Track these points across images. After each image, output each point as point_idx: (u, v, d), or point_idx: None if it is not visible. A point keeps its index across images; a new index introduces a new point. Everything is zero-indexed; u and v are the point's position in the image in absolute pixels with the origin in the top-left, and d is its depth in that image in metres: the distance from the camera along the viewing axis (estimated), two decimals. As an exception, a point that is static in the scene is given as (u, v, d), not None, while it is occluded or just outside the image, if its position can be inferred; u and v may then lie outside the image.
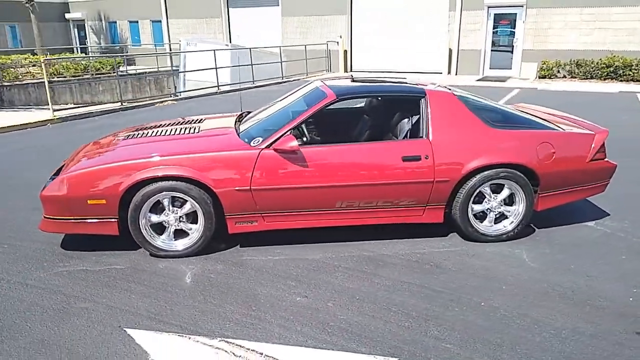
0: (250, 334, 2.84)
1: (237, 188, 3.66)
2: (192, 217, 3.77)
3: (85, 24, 27.11)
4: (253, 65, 15.70)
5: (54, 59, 18.54)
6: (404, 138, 3.96)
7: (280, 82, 16.27)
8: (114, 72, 20.60)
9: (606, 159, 4.13)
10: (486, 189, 3.92)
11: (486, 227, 4.02)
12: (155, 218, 3.72)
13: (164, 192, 3.63)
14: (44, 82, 17.67)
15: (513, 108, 4.66)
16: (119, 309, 3.09)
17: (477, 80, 15.91)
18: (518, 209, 3.98)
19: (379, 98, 4.20)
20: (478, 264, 3.67)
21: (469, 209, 3.93)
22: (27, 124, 9.18)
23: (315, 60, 19.19)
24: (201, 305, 3.14)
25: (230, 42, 22.26)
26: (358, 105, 4.83)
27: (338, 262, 3.72)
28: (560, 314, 3.01)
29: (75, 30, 27.89)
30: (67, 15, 27.20)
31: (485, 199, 3.97)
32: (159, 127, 4.51)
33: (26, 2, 22.03)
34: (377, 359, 2.62)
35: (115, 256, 3.80)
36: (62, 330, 2.87)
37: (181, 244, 3.79)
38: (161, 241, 3.77)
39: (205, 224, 3.73)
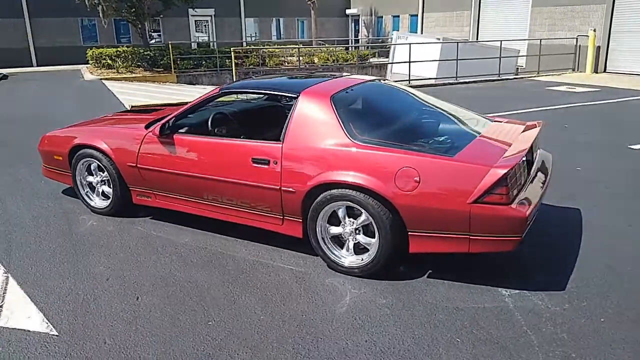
0: (27, 278, 3.39)
1: (129, 164, 4.16)
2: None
3: (359, 19, 29.92)
4: (471, 60, 14.89)
5: (289, 47, 21.35)
6: (267, 139, 3.67)
7: (490, 80, 14.90)
8: (359, 62, 22.54)
9: (512, 205, 2.92)
10: (339, 211, 3.34)
11: (342, 255, 3.42)
12: (90, 178, 4.55)
13: (87, 158, 4.42)
14: (295, 68, 20.77)
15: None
16: (2, 237, 4.06)
17: None
18: (376, 243, 3.25)
19: (263, 95, 3.92)
20: (286, 283, 3.24)
21: (318, 229, 3.42)
22: (211, 100, 11.33)
23: (561, 57, 16.72)
24: (44, 250, 3.82)
25: (478, 36, 21.29)
26: (259, 101, 4.54)
27: (187, 250, 3.81)
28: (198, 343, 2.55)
29: (352, 24, 31.08)
30: (347, 11, 30.52)
31: (342, 223, 3.38)
32: (157, 107, 5.29)
33: (308, 1, 25.85)
34: (49, 326, 2.84)
35: (72, 203, 4.80)
36: (-38, 240, 4.02)
37: (101, 204, 4.52)
38: (93, 200, 4.59)
39: (114, 191, 4.36)
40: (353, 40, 30.46)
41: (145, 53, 18.98)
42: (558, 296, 3.09)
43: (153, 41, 24.15)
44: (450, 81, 14.60)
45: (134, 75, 17.82)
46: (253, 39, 28.54)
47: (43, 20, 23.17)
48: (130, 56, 18.70)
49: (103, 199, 4.53)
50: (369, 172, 3.16)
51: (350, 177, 3.19)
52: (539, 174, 3.60)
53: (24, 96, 13.30)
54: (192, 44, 25.70)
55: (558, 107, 10.30)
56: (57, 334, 2.79)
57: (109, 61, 18.17)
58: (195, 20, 26.96)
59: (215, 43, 26.48)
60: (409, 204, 3.06)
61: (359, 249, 3.40)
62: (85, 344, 2.70)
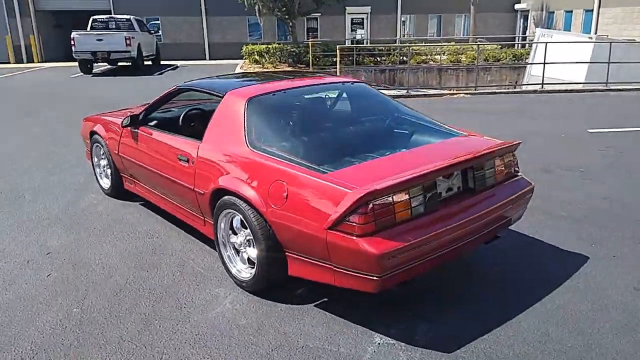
0: (-4, 242, 3.96)
1: (115, 151, 4.50)
2: (114, 168, 4.87)
3: (529, 14, 27.24)
4: (615, 63, 12.53)
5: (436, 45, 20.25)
6: (196, 138, 3.58)
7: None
8: (515, 61, 20.58)
9: (370, 238, 2.42)
10: (234, 219, 3.17)
11: (234, 266, 3.24)
12: (101, 162, 5.03)
13: (96, 143, 4.90)
14: (435, 67, 19.88)
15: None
16: (14, 202, 4.75)
17: None
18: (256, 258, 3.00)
19: (204, 94, 3.80)
20: (152, 283, 3.19)
21: (219, 235, 3.29)
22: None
23: None
24: (31, 219, 4.37)
25: (666, 34, 17.75)
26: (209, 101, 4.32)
27: (135, 238, 4.00)
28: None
29: (521, 20, 28.45)
30: (515, 6, 28.03)
31: (238, 232, 3.20)
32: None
33: (467, -4, 24.41)
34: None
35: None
36: (-9, 203, 4.82)
37: (107, 185, 4.96)
38: (102, 180, 5.07)
39: (111, 175, 4.77)
40: (520, 38, 27.91)
41: (291, 50, 20.08)
42: (437, 358, 2.49)
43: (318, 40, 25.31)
44: (599, 87, 12.45)
45: (277, 70, 18.99)
46: (408, 36, 28.06)
47: (217, 18, 26.01)
48: (277, 52, 19.98)
49: (110, 181, 4.99)
50: (250, 182, 2.93)
51: (236, 185, 3.00)
52: (481, 204, 2.92)
53: (167, 85, 15.12)
54: (347, 41, 26.33)
55: None
56: (-39, 293, 3.20)
57: (257, 57, 19.65)
58: (352, 18, 27.50)
59: (369, 41, 26.76)
60: (278, 221, 2.77)
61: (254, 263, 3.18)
62: (-30, 306, 3.05)
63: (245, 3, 20.44)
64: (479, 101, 11.32)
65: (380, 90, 3.94)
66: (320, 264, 2.68)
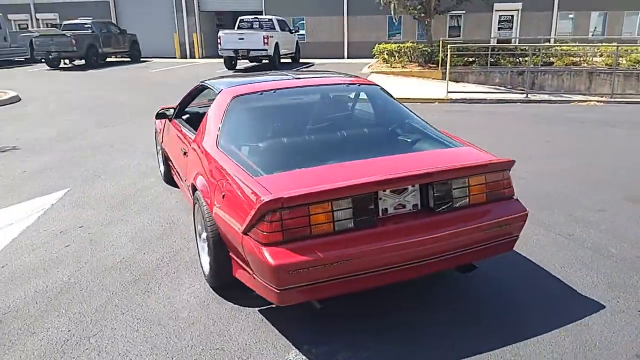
0: (46, 215, 4.58)
1: (160, 141, 4.90)
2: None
3: None
4: None
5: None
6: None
7: None
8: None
9: (275, 248, 2.29)
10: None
11: (204, 259, 3.30)
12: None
13: (156, 132, 5.37)
14: (583, 70, 17.67)
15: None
16: (91, 180, 5.42)
17: None
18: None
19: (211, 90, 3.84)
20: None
21: (196, 227, 3.40)
22: (418, 99, 10.94)
23: None
24: (89, 196, 4.96)
25: None
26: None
27: (157, 220, 4.31)
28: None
29: None
30: None
31: (209, 227, 3.27)
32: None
33: (640, -11, 21.14)
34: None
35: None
36: (72, 178, 5.59)
37: (162, 171, 5.40)
38: (161, 166, 5.52)
39: (164, 161, 5.19)
40: None
41: (424, 49, 19.51)
42: (337, 389, 2.28)
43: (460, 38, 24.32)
44: None
45: (404, 70, 18.65)
46: (570, 35, 25.33)
47: (358, 17, 26.36)
48: (409, 52, 19.59)
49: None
50: (208, 180, 2.99)
51: (199, 181, 3.09)
52: (440, 226, 2.57)
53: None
54: (492, 40, 24.71)
55: None
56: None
57: (385, 56, 19.49)
58: (500, 16, 25.69)
59: (517, 40, 24.78)
60: (218, 220, 2.78)
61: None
62: (-5, 262, 3.62)
63: (382, 2, 20.37)
64: (605, 111, 9.83)
65: (390, 95, 3.66)
66: (246, 268, 2.63)
